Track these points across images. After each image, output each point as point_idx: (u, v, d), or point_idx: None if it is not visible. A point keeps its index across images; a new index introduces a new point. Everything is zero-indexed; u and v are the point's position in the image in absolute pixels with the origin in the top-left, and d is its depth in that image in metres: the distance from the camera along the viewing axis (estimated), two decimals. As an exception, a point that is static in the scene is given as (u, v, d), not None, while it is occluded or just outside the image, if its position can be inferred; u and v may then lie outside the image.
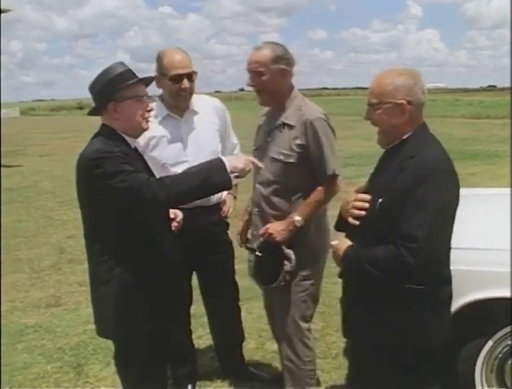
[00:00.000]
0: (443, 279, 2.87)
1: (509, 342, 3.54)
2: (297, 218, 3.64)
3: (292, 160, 3.64)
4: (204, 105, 4.10)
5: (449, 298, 2.91)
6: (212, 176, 2.84)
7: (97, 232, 2.99)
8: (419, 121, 2.84)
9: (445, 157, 2.78)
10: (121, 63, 3.02)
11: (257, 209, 3.85)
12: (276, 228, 3.67)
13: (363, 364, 3.06)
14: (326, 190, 3.71)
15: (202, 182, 2.82)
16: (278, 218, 3.73)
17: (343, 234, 3.06)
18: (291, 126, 3.66)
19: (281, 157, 3.66)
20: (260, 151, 3.81)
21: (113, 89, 2.93)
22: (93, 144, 2.94)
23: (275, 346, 4.98)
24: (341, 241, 2.95)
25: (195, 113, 4.02)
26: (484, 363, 3.60)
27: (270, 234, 3.68)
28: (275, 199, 3.75)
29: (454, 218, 2.76)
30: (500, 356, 3.58)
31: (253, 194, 3.91)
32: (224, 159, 2.91)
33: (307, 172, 3.69)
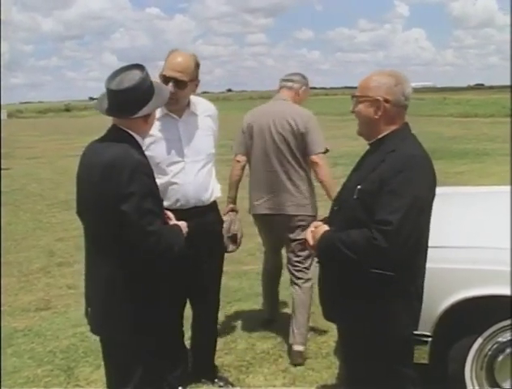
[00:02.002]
0: (416, 273, 2.93)
1: (498, 339, 3.56)
2: None
3: None
4: (203, 109, 4.10)
5: (420, 294, 2.97)
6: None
7: (111, 235, 2.96)
8: (397, 121, 2.94)
9: (424, 154, 2.89)
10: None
11: None
12: None
13: (345, 347, 3.28)
14: None
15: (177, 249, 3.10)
16: None
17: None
18: None
19: None
20: None
21: (156, 101, 3.05)
22: (124, 149, 2.95)
23: (265, 346, 5.02)
24: (319, 227, 3.07)
25: (194, 115, 4.01)
26: (473, 361, 3.62)
27: None
28: None
29: (429, 212, 2.86)
30: (489, 353, 3.59)
31: None
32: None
33: None
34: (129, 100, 2.94)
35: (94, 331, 3.25)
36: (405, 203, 2.67)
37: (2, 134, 21.26)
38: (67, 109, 79.74)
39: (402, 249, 2.71)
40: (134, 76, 2.95)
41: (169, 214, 3.33)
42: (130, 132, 3.02)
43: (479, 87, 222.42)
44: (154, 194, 2.98)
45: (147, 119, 3.07)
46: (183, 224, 3.27)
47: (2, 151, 18.54)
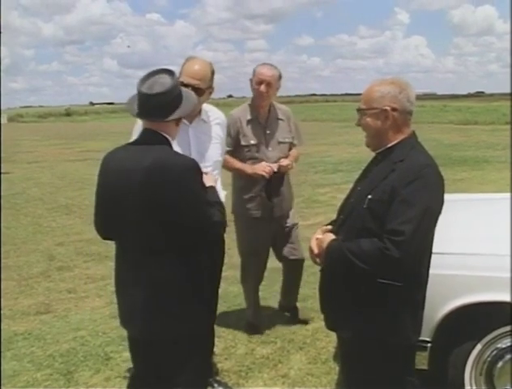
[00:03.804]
0: (423, 282, 2.95)
1: (497, 345, 3.57)
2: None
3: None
4: (213, 117, 4.16)
5: (423, 301, 2.99)
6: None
7: (163, 237, 3.00)
8: (405, 128, 2.95)
9: (433, 162, 2.88)
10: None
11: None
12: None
13: (347, 356, 3.25)
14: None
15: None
16: None
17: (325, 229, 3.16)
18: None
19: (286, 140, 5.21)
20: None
21: (187, 105, 3.12)
22: (169, 150, 3.04)
23: (264, 351, 5.01)
24: (324, 235, 3.04)
25: (204, 122, 4.07)
26: (473, 367, 3.63)
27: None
28: None
29: (436, 221, 2.84)
30: (489, 359, 3.60)
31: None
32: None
33: None
34: (162, 103, 2.99)
35: (141, 332, 3.18)
36: (417, 213, 2.67)
37: (2, 139, 21.29)
38: (68, 114, 79.74)
39: (413, 259, 2.72)
40: (166, 81, 3.01)
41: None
42: (164, 135, 3.06)
43: (479, 94, 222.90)
44: (205, 187, 3.10)
45: (178, 122, 3.14)
46: (212, 178, 3.44)
47: (2, 155, 18.57)
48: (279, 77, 5.02)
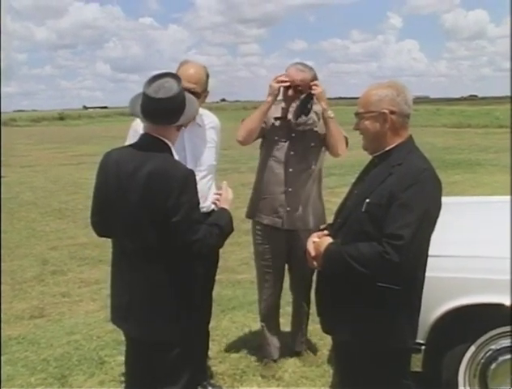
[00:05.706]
0: (420, 285, 2.96)
1: (491, 347, 3.59)
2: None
3: None
4: (207, 121, 4.18)
5: (420, 305, 2.99)
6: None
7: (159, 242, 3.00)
8: (403, 131, 2.95)
9: (430, 166, 2.89)
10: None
11: None
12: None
13: (343, 360, 3.25)
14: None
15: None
16: None
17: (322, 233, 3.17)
18: None
19: None
20: None
21: (190, 111, 3.10)
22: (169, 159, 3.02)
23: (259, 354, 5.00)
24: (322, 238, 3.06)
25: (199, 126, 4.09)
26: (466, 368, 3.64)
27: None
28: None
29: (435, 225, 2.85)
30: (482, 361, 3.62)
31: None
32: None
33: None
34: (169, 108, 2.99)
35: (134, 332, 3.18)
36: (416, 217, 2.68)
37: (2, 142, 21.16)
38: (61, 118, 79.47)
39: (412, 263, 2.74)
40: (172, 85, 3.00)
41: (217, 197, 3.42)
42: (165, 141, 3.05)
43: (472, 98, 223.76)
44: (198, 202, 3.03)
45: (180, 127, 3.13)
46: (228, 197, 3.37)
47: (1, 158, 18.48)
48: (313, 80, 4.36)
